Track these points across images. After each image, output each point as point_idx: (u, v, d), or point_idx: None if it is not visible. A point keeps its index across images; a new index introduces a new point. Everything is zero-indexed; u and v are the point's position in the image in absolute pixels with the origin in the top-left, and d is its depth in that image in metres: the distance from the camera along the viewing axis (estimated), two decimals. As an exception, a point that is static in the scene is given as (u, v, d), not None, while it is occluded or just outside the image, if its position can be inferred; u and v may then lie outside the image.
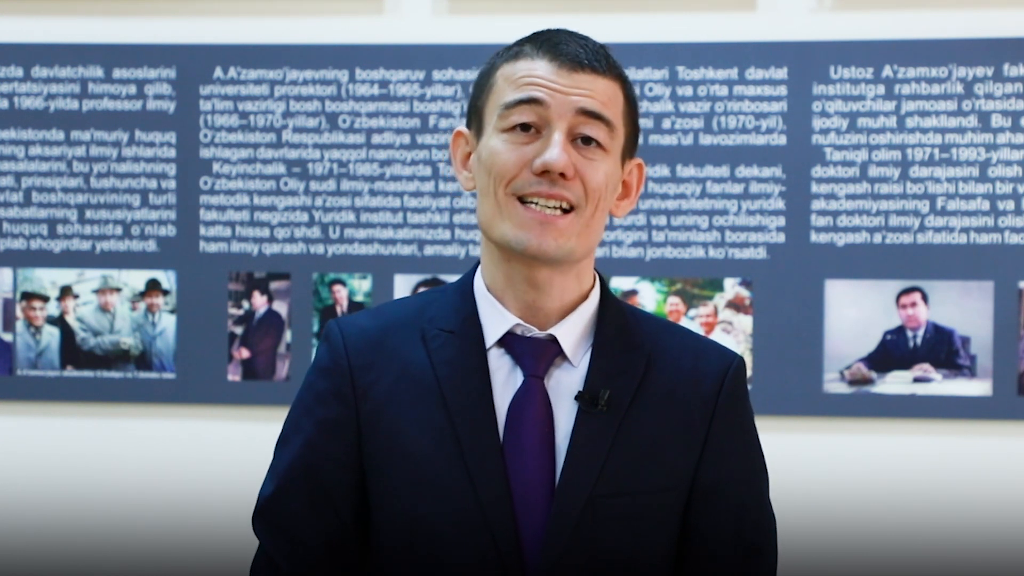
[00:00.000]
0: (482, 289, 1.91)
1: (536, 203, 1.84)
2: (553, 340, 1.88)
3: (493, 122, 1.86)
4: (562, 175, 1.82)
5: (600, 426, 1.85)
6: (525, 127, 1.84)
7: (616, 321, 1.92)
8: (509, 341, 1.88)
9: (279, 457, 1.92)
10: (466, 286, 1.93)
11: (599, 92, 1.86)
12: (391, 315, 1.93)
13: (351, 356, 1.89)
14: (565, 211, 1.84)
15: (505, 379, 1.87)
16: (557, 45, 1.86)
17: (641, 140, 3.46)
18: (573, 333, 1.89)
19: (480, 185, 1.88)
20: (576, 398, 1.86)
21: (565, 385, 1.88)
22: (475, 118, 1.91)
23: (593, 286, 1.93)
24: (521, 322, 1.88)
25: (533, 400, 1.86)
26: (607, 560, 1.84)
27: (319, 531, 1.88)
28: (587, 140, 1.85)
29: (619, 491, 1.84)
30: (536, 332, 1.88)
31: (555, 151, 1.82)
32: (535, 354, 1.88)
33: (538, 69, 1.85)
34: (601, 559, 1.84)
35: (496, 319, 1.89)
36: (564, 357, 1.89)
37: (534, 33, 1.90)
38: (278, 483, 1.90)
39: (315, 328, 3.54)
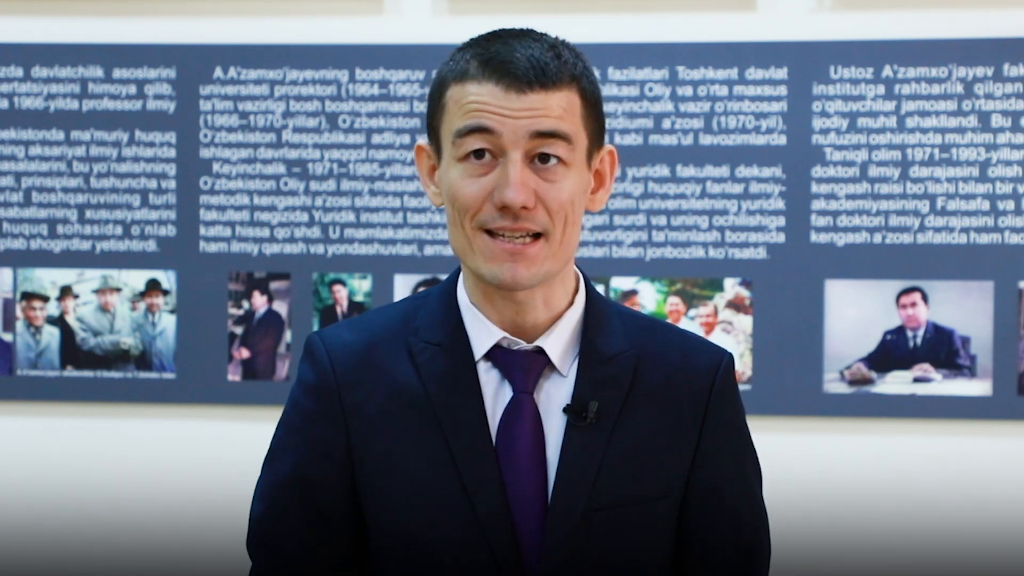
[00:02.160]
0: (465, 301, 1.86)
1: (504, 235, 1.79)
2: (540, 352, 1.85)
3: (449, 148, 1.81)
4: (524, 207, 1.77)
5: (590, 439, 1.82)
6: (479, 153, 1.78)
7: (601, 326, 1.88)
8: (496, 355, 1.85)
9: (266, 478, 1.87)
10: (449, 295, 1.88)
11: (552, 108, 1.78)
12: (374, 327, 1.88)
13: (337, 373, 1.84)
14: (533, 237, 1.79)
15: (494, 394, 1.84)
16: (503, 64, 1.79)
17: (641, 140, 3.49)
18: (560, 343, 1.85)
19: (447, 212, 1.83)
20: (564, 411, 1.83)
21: (555, 398, 1.84)
22: (433, 135, 1.85)
23: (577, 289, 1.89)
24: (507, 335, 1.84)
25: (523, 417, 1.83)
26: (605, 572, 1.82)
27: (313, 549, 1.84)
28: (546, 158, 1.78)
29: (613, 503, 1.82)
30: (523, 345, 1.85)
31: (512, 190, 1.76)
32: (524, 368, 1.84)
33: (484, 94, 1.78)
34: (599, 571, 1.82)
35: (482, 333, 1.85)
36: (553, 368, 1.85)
37: (479, 45, 1.84)
38: (268, 503, 1.85)
39: (315, 328, 3.54)
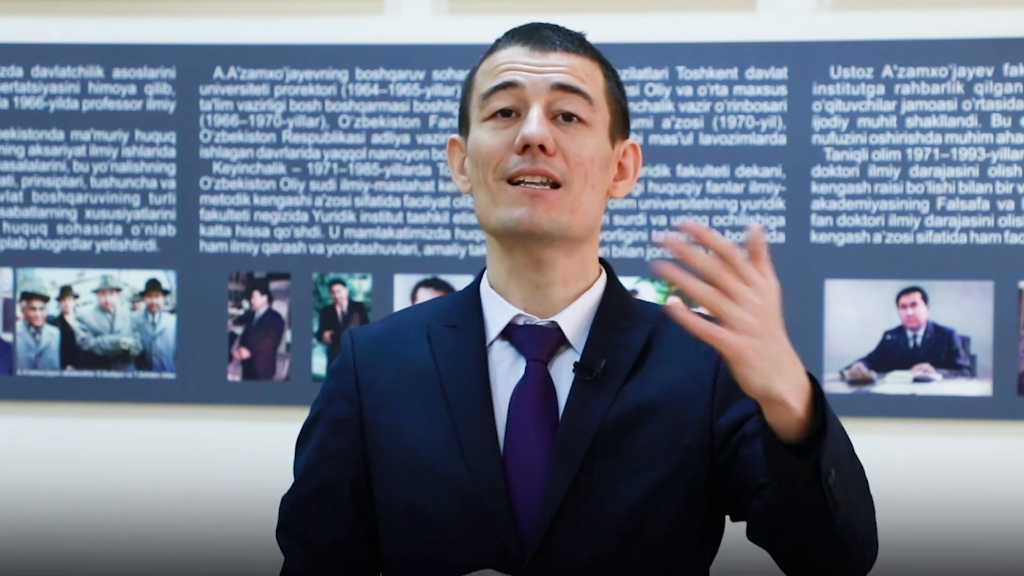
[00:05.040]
0: (486, 287, 1.93)
1: (524, 182, 1.85)
2: (556, 327, 1.89)
3: (476, 115, 1.89)
4: (543, 149, 1.83)
5: (596, 393, 1.85)
6: (506, 113, 1.86)
7: (618, 302, 1.92)
8: (511, 332, 1.89)
9: (296, 462, 1.96)
10: (473, 287, 1.95)
11: (574, 68, 1.87)
12: (402, 319, 1.99)
13: (357, 356, 1.93)
14: (553, 187, 1.85)
15: (508, 369, 1.88)
16: (528, 31, 1.90)
17: (641, 140, 3.49)
18: (576, 319, 1.90)
19: (473, 179, 1.90)
20: (573, 369, 1.86)
21: (568, 370, 1.88)
22: (463, 121, 1.93)
23: (599, 278, 1.93)
24: (523, 312, 1.89)
25: (535, 382, 1.87)
26: (607, 521, 1.82)
27: (327, 530, 1.91)
28: (567, 116, 1.86)
29: (617, 451, 1.83)
30: (538, 320, 1.89)
31: (532, 125, 1.83)
32: (537, 341, 1.88)
33: (511, 55, 1.88)
34: (600, 521, 1.82)
35: (499, 312, 1.90)
36: (568, 345, 1.89)
37: (509, 29, 1.94)
38: (294, 488, 1.95)
39: (315, 328, 3.54)
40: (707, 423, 1.85)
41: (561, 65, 1.87)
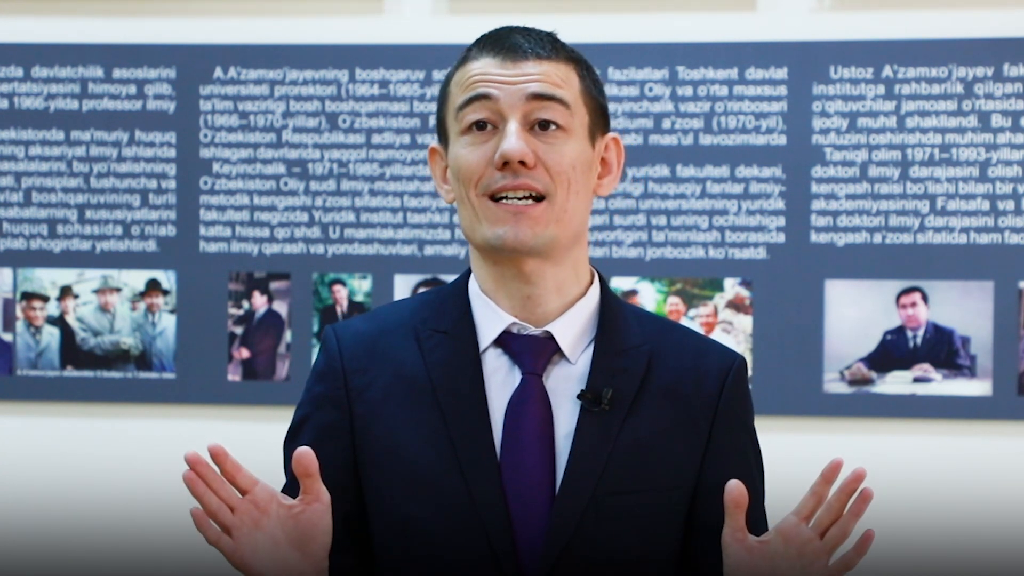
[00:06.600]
0: (476, 290, 1.90)
1: (507, 198, 1.83)
2: (550, 337, 1.88)
3: (453, 127, 1.88)
4: (523, 164, 1.82)
5: (603, 424, 1.84)
6: (482, 125, 1.85)
7: (616, 319, 1.91)
8: (506, 341, 1.88)
9: (286, 464, 1.93)
10: (460, 287, 1.92)
11: (548, 75, 1.85)
12: (386, 318, 1.94)
13: (345, 359, 1.90)
14: (537, 200, 1.83)
15: (503, 379, 1.87)
16: (499, 40, 1.88)
17: (641, 140, 3.49)
18: (571, 330, 1.88)
19: (456, 194, 1.88)
20: (579, 397, 1.85)
21: (563, 383, 1.87)
22: (441, 131, 1.93)
23: (591, 283, 1.92)
24: (517, 320, 1.87)
25: (532, 398, 1.85)
26: (610, 559, 1.83)
27: None
28: (545, 124, 1.85)
29: (622, 490, 1.84)
30: (532, 330, 1.88)
31: (511, 140, 1.82)
32: (532, 351, 1.87)
33: (483, 67, 1.86)
34: (604, 558, 1.83)
35: (491, 319, 1.88)
36: (562, 355, 1.88)
37: (480, 36, 1.92)
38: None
39: (315, 328, 3.54)
40: (695, 472, 1.88)
41: (534, 74, 1.85)
